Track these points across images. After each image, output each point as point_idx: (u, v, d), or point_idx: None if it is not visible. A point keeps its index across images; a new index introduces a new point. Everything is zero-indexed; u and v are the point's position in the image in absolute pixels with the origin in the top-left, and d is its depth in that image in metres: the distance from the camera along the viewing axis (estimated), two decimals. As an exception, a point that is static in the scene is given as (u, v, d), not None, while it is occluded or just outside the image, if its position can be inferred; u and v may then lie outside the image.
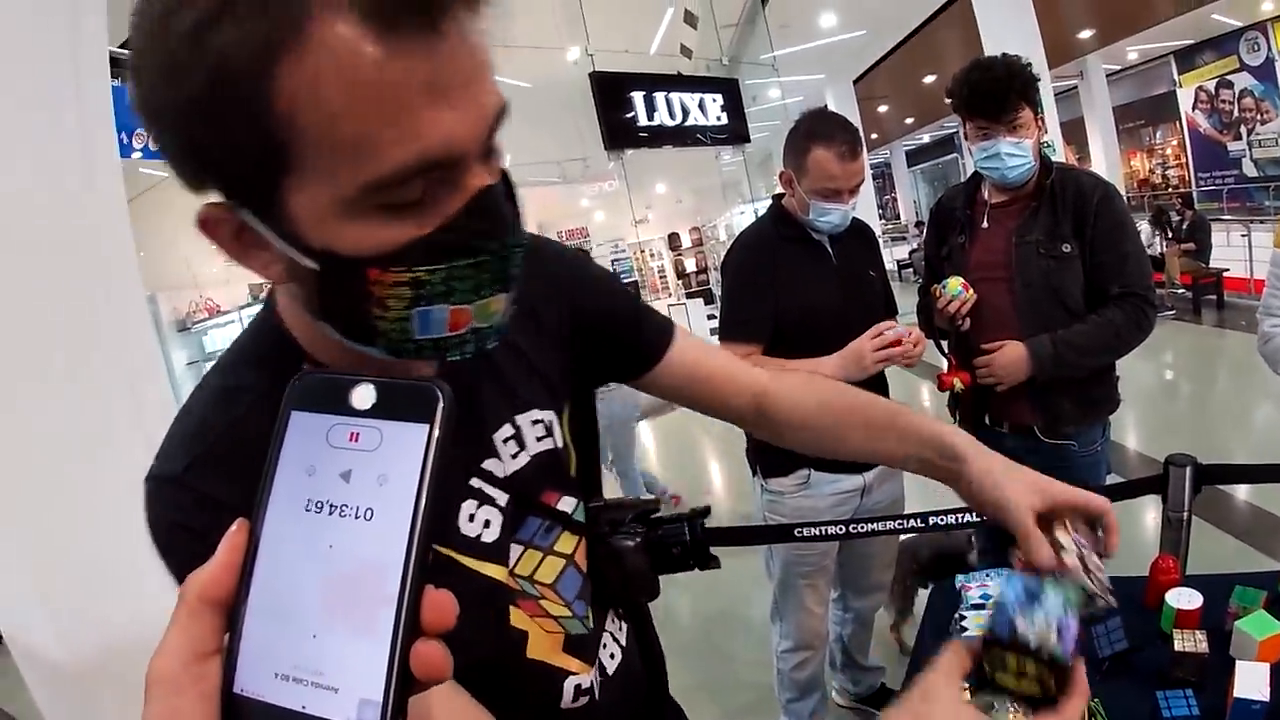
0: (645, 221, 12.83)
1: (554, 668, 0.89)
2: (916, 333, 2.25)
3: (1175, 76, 15.98)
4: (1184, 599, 1.52)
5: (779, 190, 2.40)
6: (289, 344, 0.74)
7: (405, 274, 0.60)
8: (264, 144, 0.54)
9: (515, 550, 0.86)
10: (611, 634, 1.00)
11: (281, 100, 0.52)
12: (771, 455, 2.37)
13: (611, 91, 8.54)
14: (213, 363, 0.77)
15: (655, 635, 1.10)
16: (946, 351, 2.44)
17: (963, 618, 1.68)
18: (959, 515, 1.90)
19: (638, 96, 8.74)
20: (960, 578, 1.82)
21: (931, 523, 1.98)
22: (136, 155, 7.55)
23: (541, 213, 13.51)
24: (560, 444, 0.92)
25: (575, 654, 0.91)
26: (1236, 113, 14.69)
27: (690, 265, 15.60)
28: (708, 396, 1.10)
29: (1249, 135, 14.55)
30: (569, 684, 0.90)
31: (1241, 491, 4.13)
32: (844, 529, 2.04)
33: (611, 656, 0.98)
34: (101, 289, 2.08)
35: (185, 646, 0.38)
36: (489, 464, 0.84)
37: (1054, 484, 0.91)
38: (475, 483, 0.83)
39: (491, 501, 0.83)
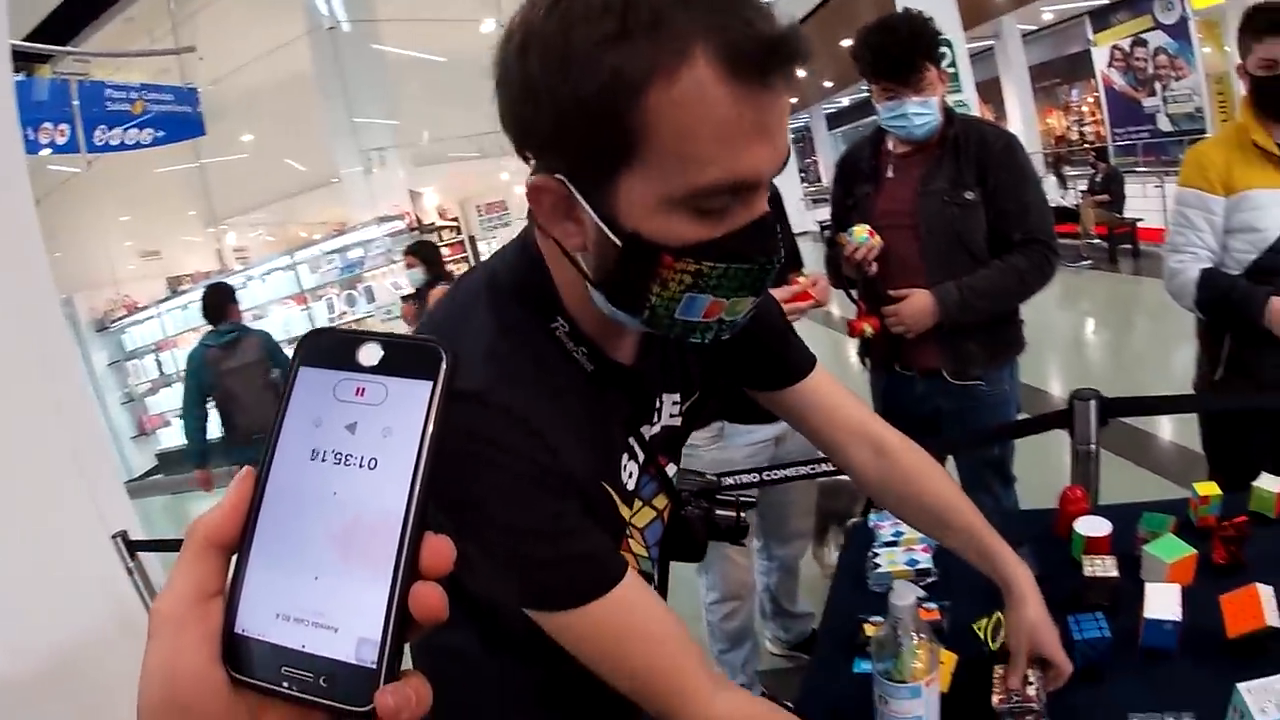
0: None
1: None
2: (821, 280, 2.29)
3: (1090, 35, 16.31)
4: (1092, 526, 1.53)
5: None
6: (551, 290, 0.88)
7: (692, 265, 0.76)
8: (622, 141, 0.70)
9: (636, 504, 1.02)
10: (655, 579, 1.13)
11: (649, 112, 0.68)
12: None
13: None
14: (457, 284, 0.94)
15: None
16: (856, 298, 2.46)
17: (876, 555, 1.68)
18: None
19: (552, 67, 8.61)
20: (873, 516, 1.82)
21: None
22: (45, 152, 7.29)
23: (461, 188, 13.34)
24: (679, 423, 1.10)
25: None
26: (1151, 70, 15.06)
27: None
28: (823, 437, 1.24)
29: (1163, 91, 14.95)
30: None
31: (1162, 429, 4.28)
32: (758, 477, 2.04)
33: None
34: (11, 293, 1.99)
35: (189, 587, 0.40)
36: (644, 428, 1.01)
37: (1051, 640, 1.16)
38: (632, 441, 0.99)
39: (636, 457, 0.99)
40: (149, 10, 7.95)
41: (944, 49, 8.86)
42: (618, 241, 0.75)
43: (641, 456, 1.00)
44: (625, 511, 0.98)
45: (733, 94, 0.68)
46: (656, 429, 1.03)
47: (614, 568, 0.87)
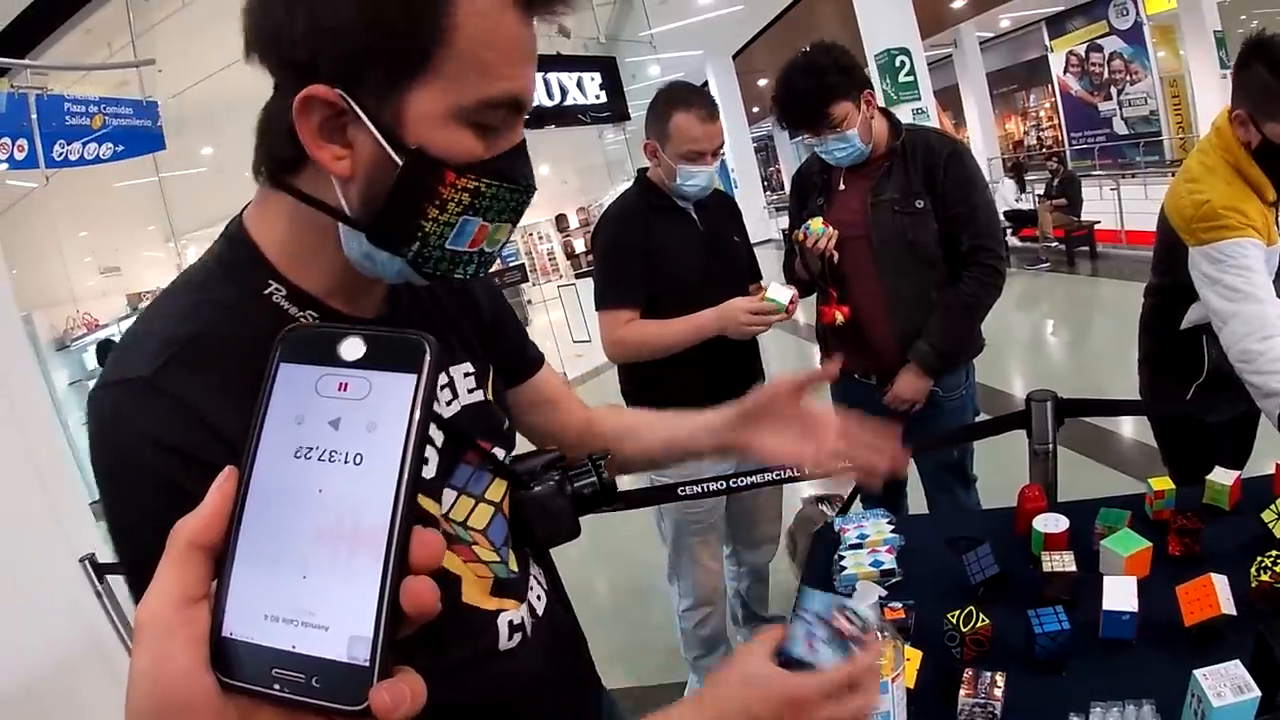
0: (531, 204, 12.72)
1: (486, 610, 0.91)
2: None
3: (1047, 42, 16.60)
4: (1050, 524, 1.57)
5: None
6: (258, 259, 0.79)
7: (473, 182, 0.73)
8: (420, 47, 0.67)
9: (449, 495, 0.89)
10: (535, 578, 1.04)
11: (454, 19, 0.67)
12: None
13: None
14: (167, 286, 0.80)
15: (560, 582, 1.15)
16: (824, 286, 2.50)
17: (842, 558, 1.70)
18: None
19: (514, 78, 8.60)
20: (837, 520, 1.86)
21: (808, 471, 2.01)
22: (3, 167, 7.13)
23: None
24: (484, 397, 0.98)
25: (503, 596, 0.94)
26: (1106, 75, 15.35)
27: (580, 246, 15.48)
28: (544, 421, 1.22)
29: (1119, 95, 15.24)
30: (503, 620, 0.92)
31: (1125, 428, 4.36)
32: (725, 484, 2.07)
33: (538, 598, 1.02)
34: None
35: (174, 591, 0.39)
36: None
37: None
38: None
39: (430, 441, 0.87)
40: (108, 22, 7.81)
41: (902, 58, 9.06)
42: (398, 160, 0.70)
43: (440, 438, 0.88)
44: (430, 505, 0.85)
45: (519, 18, 0.71)
46: (455, 407, 0.92)
47: None
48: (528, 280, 12.52)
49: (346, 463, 0.40)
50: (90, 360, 11.52)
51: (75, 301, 12.12)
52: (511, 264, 11.81)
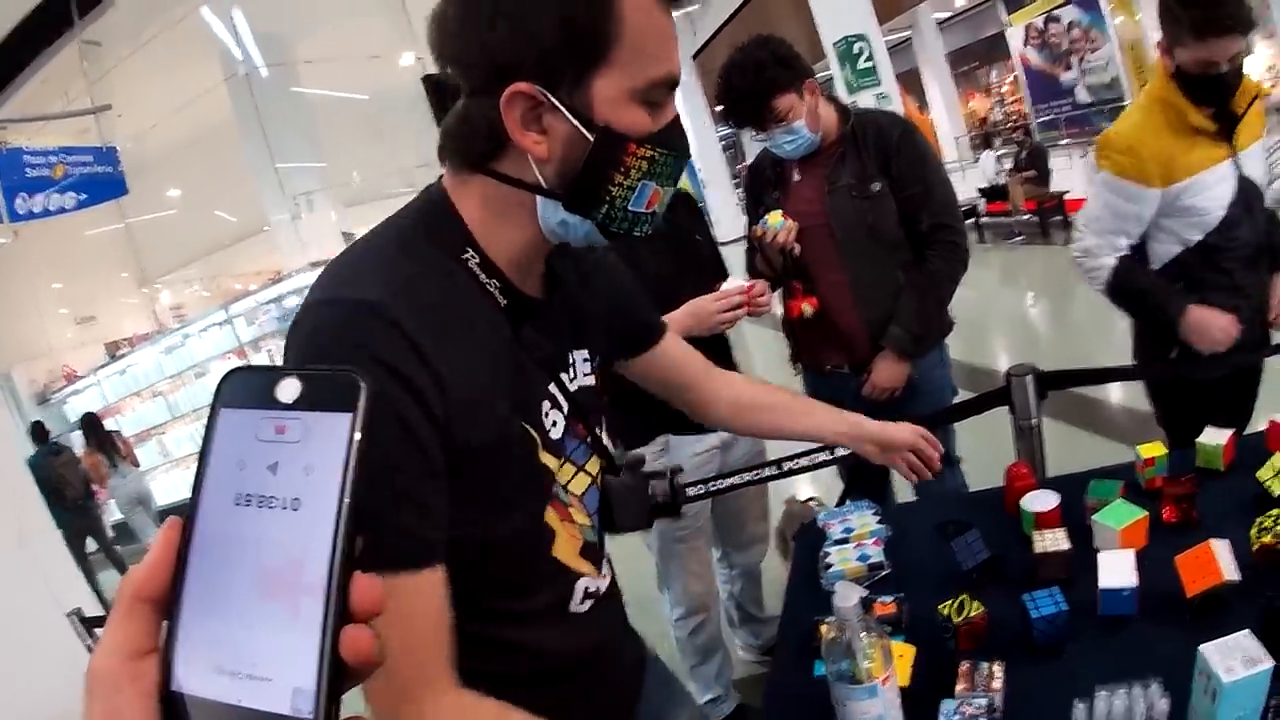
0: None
1: (569, 569, 1.03)
2: (760, 284, 2.28)
3: (1004, 17, 16.68)
4: (1039, 501, 1.52)
5: None
6: (460, 227, 0.93)
7: (649, 151, 0.89)
8: (599, 43, 0.83)
9: (559, 461, 1.01)
10: (606, 555, 1.15)
11: (621, 17, 0.82)
12: (630, 425, 2.33)
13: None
14: (367, 232, 0.95)
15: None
16: (789, 280, 2.48)
17: (827, 554, 1.66)
18: (812, 456, 1.99)
19: (471, 95, 8.58)
20: (821, 516, 1.81)
21: (787, 469, 2.05)
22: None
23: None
24: (595, 383, 1.12)
25: (588, 558, 1.07)
26: (1066, 45, 15.44)
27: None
28: (690, 403, 1.45)
29: (1080, 64, 15.34)
30: (580, 585, 1.05)
31: (1110, 394, 4.32)
32: (704, 488, 2.03)
33: (605, 575, 1.13)
34: None
35: (122, 645, 0.39)
36: (562, 376, 1.03)
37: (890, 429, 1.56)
38: (553, 388, 1.01)
39: (559, 407, 1.01)
40: (63, 70, 7.77)
41: (860, 44, 9.08)
42: (590, 137, 0.85)
43: (566, 407, 1.02)
44: (551, 461, 0.98)
45: (664, 9, 0.87)
46: (575, 385, 1.06)
47: (430, 546, 0.82)
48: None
49: (285, 508, 0.39)
50: (72, 412, 11.48)
51: (53, 354, 12.09)
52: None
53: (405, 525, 0.81)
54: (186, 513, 0.40)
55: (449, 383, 0.83)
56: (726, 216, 17.07)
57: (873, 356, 2.39)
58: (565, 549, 1.02)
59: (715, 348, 2.32)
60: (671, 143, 0.91)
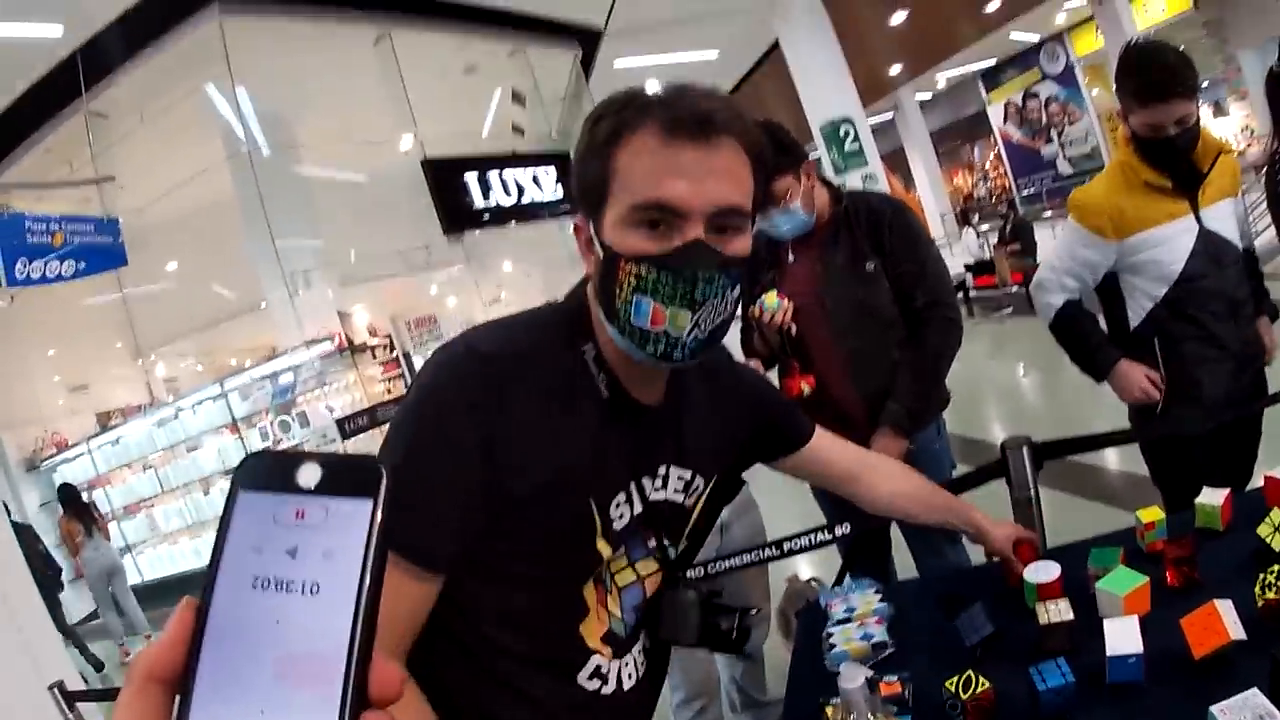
0: (498, 301, 12.73)
1: (588, 645, 1.13)
2: (754, 364, 2.37)
3: (984, 95, 17.17)
4: (1041, 572, 1.51)
5: None
6: (586, 319, 1.12)
7: (635, 267, 1.00)
8: (603, 180, 1.02)
9: (619, 550, 1.15)
10: (636, 657, 1.22)
11: (617, 161, 1.01)
12: None
13: (444, 176, 8.51)
14: (516, 315, 1.17)
15: (664, 685, 1.36)
16: (786, 359, 2.50)
17: (830, 634, 1.65)
18: (812, 536, 2.02)
19: (471, 178, 8.75)
20: (824, 595, 1.81)
21: (787, 549, 2.04)
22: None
23: (391, 305, 13.27)
24: (689, 505, 1.25)
25: (609, 645, 1.16)
26: (1045, 119, 15.88)
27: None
28: (850, 492, 1.58)
29: (1060, 138, 15.72)
30: (593, 661, 1.13)
31: (1108, 460, 4.34)
32: (702, 570, 2.04)
33: (629, 676, 1.20)
34: None
35: None
36: (645, 480, 1.15)
37: (1011, 533, 1.66)
38: (631, 486, 1.13)
39: (632, 505, 1.13)
40: (67, 140, 7.87)
41: (846, 126, 9.29)
42: (602, 254, 1.03)
43: (638, 507, 1.14)
44: (604, 548, 1.10)
45: (666, 146, 0.98)
46: (659, 494, 1.18)
47: (430, 556, 0.98)
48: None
49: (303, 593, 0.39)
50: (60, 480, 11.31)
51: (44, 421, 11.96)
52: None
53: (416, 527, 0.96)
54: (201, 594, 0.40)
55: (516, 435, 1.00)
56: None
57: (871, 432, 2.39)
58: (591, 628, 1.13)
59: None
60: (668, 263, 0.99)
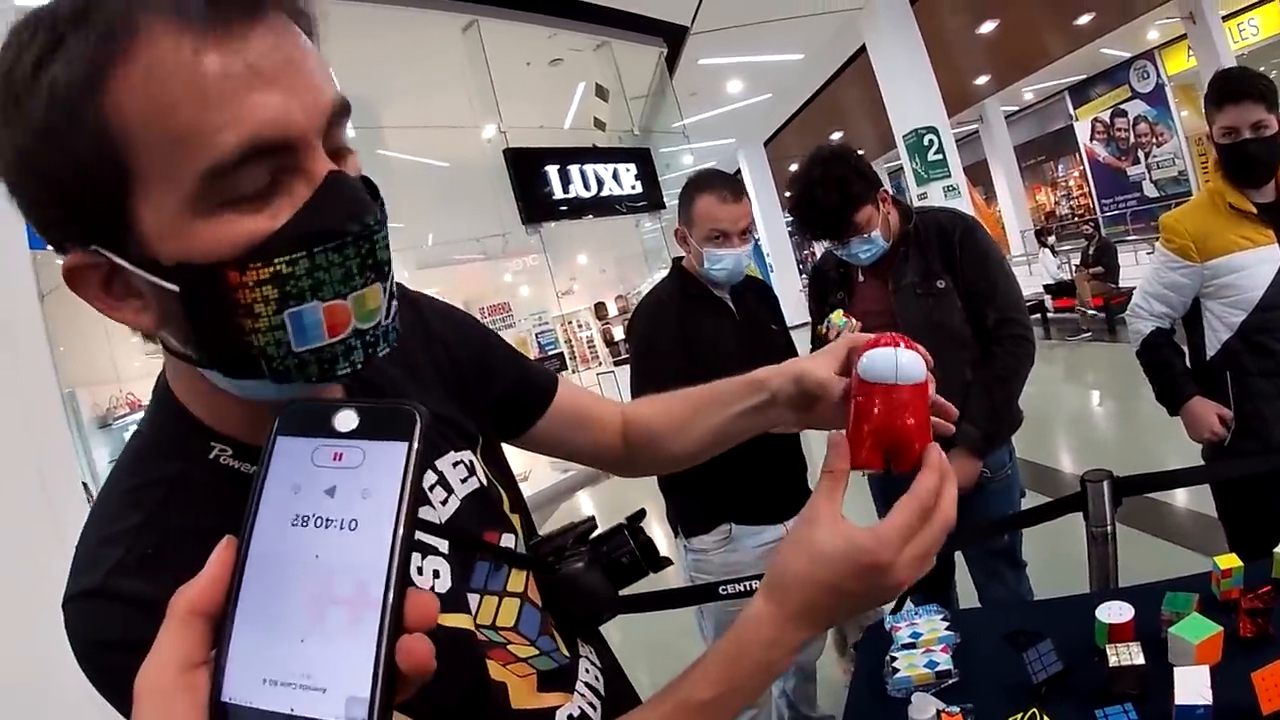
0: (570, 293, 12.83)
1: (540, 709, 0.86)
2: None
3: (1071, 111, 16.75)
4: (1114, 613, 1.49)
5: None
6: (192, 423, 0.71)
7: (266, 269, 0.58)
8: (106, 159, 0.55)
9: (473, 600, 0.83)
10: (587, 658, 0.98)
11: (115, 114, 0.54)
12: (691, 513, 2.36)
13: (525, 166, 8.58)
14: (117, 462, 0.73)
15: (613, 654, 1.08)
16: None
17: (894, 659, 1.64)
18: None
19: (552, 170, 8.81)
20: (889, 619, 1.79)
21: None
22: (51, 248, 7.36)
23: (464, 290, 13.45)
24: (485, 482, 0.92)
25: (551, 690, 0.88)
26: (1132, 139, 15.43)
27: (619, 333, 15.66)
28: (585, 438, 1.13)
29: (1146, 159, 15.27)
30: (560, 717, 0.87)
31: (1176, 497, 4.21)
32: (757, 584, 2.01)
33: (596, 679, 0.96)
34: (14, 386, 2.02)
35: (175, 657, 0.40)
36: (423, 512, 0.81)
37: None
38: (419, 538, 0.79)
39: (434, 550, 0.80)
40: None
41: (930, 136, 9.17)
42: (172, 286, 0.58)
43: (443, 546, 0.81)
44: (458, 620, 0.79)
45: (204, 44, 0.54)
46: (450, 506, 0.85)
47: None
48: (567, 368, 12.61)
49: (342, 529, 0.41)
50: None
51: (120, 381, 12.32)
52: (551, 352, 11.92)
53: None
54: (241, 532, 0.42)
55: None
56: (790, 301, 17.16)
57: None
58: (522, 694, 0.84)
59: (787, 438, 2.35)
60: (311, 231, 0.59)
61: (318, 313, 0.60)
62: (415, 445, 0.43)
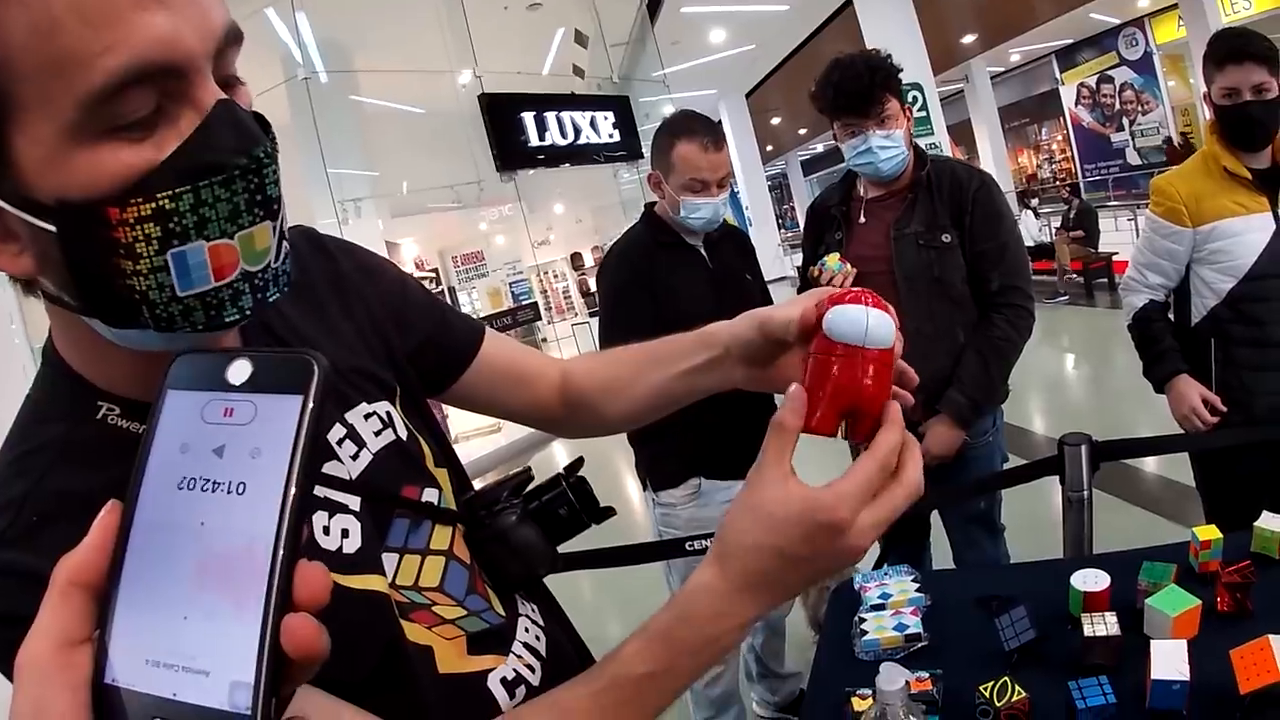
0: (547, 243, 12.74)
1: (470, 674, 0.81)
2: None
3: (1057, 75, 16.72)
4: (1090, 580, 1.45)
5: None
6: (79, 384, 0.66)
7: (147, 205, 0.53)
8: None
9: (390, 560, 0.79)
10: (528, 616, 0.93)
11: None
12: (661, 467, 2.30)
13: (501, 112, 8.49)
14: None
15: (564, 613, 1.04)
16: None
17: (863, 620, 1.59)
18: None
19: (528, 117, 8.71)
20: (858, 578, 1.74)
21: None
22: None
23: (439, 238, 13.33)
24: (404, 435, 0.86)
25: (483, 652, 0.84)
26: (1118, 106, 15.43)
27: (595, 285, 15.64)
28: (520, 396, 1.06)
29: (1131, 126, 15.29)
30: (494, 680, 0.83)
31: (1149, 463, 4.22)
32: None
33: (537, 638, 0.92)
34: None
35: (54, 633, 0.37)
36: (330, 467, 0.76)
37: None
38: (319, 491, 0.74)
39: (344, 508, 0.75)
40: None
41: (914, 93, 9.10)
42: (49, 226, 0.53)
43: (355, 503, 0.76)
44: (369, 581, 0.74)
45: None
46: (362, 460, 0.80)
47: None
48: (541, 318, 12.55)
49: (229, 493, 0.37)
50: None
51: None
52: (525, 302, 11.83)
53: None
54: (125, 497, 0.39)
55: None
56: (768, 257, 17.13)
57: (925, 416, 2.28)
58: (450, 658, 0.80)
59: (759, 395, 2.28)
60: (195, 164, 0.54)
61: (202, 253, 0.55)
62: (311, 398, 0.38)
